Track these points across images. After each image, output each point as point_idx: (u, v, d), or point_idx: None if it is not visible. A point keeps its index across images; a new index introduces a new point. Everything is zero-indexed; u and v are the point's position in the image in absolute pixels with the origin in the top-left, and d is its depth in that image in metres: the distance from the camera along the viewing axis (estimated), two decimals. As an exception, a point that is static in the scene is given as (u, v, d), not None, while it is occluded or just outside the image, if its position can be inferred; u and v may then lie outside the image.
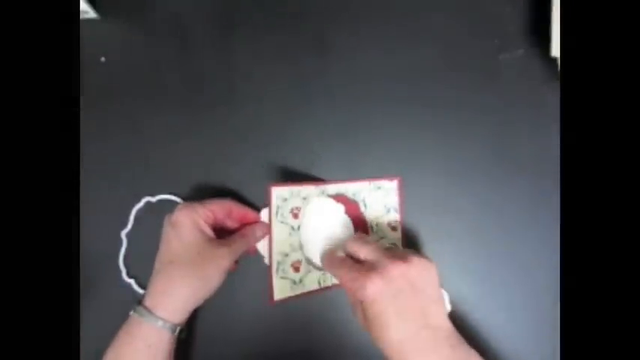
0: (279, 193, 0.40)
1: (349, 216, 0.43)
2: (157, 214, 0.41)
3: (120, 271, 0.44)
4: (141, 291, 0.43)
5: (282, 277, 0.40)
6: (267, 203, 0.40)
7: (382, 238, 0.44)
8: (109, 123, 0.46)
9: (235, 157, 0.46)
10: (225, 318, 0.44)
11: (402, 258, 0.33)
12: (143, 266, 0.40)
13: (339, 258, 0.38)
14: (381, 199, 0.44)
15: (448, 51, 0.47)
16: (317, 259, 0.42)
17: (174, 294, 0.37)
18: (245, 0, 0.48)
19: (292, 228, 0.41)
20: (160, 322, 0.36)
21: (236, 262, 0.41)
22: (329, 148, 0.46)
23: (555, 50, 0.42)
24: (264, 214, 0.43)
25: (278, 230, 0.40)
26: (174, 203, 0.44)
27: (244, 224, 0.42)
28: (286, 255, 0.41)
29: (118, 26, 0.48)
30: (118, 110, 0.46)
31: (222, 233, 0.41)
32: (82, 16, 0.46)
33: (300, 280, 0.41)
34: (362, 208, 0.44)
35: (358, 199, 0.44)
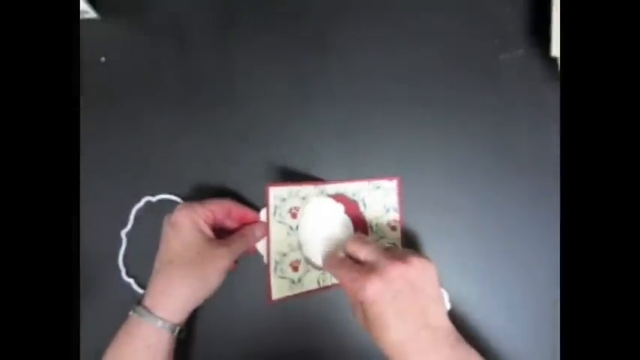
0: (276, 192, 0.40)
1: (349, 216, 0.43)
2: (157, 213, 0.41)
3: (120, 271, 0.44)
4: (140, 291, 0.43)
5: (280, 277, 0.40)
6: (265, 203, 0.40)
7: (382, 237, 0.44)
8: (109, 123, 0.46)
9: (235, 157, 0.46)
10: (225, 318, 0.44)
11: (401, 259, 0.33)
12: (143, 266, 0.40)
13: (338, 258, 0.38)
14: (380, 199, 0.44)
15: (448, 51, 0.47)
16: (316, 259, 0.42)
17: (174, 294, 0.37)
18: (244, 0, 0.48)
19: (290, 228, 0.41)
20: (160, 322, 0.36)
21: (235, 262, 0.41)
22: (329, 148, 0.46)
23: (555, 50, 0.42)
24: (263, 214, 0.43)
25: (276, 230, 0.40)
26: (174, 203, 0.44)
27: (244, 224, 0.42)
28: (284, 255, 0.41)
29: (118, 26, 0.48)
30: (118, 110, 0.46)
31: (221, 233, 0.41)
32: (82, 16, 0.46)
33: (299, 280, 0.41)
34: (361, 208, 0.44)
35: (358, 198, 0.44)
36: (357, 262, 0.36)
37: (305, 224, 0.42)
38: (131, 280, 0.44)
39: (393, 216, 0.44)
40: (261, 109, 0.46)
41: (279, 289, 0.40)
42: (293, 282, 0.41)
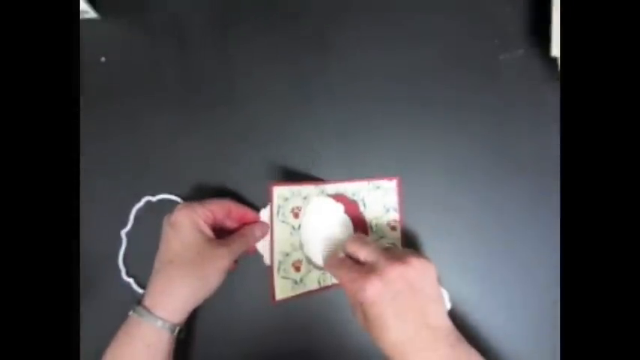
0: (280, 192, 0.40)
1: (349, 215, 0.43)
2: (157, 213, 0.41)
3: (119, 271, 0.44)
4: (140, 290, 0.43)
5: (283, 277, 0.40)
6: (268, 203, 0.40)
7: (381, 237, 0.44)
8: (109, 123, 0.46)
9: (235, 157, 0.46)
10: (225, 318, 0.44)
11: (401, 259, 0.34)
12: (143, 266, 0.40)
13: (338, 259, 0.38)
14: (380, 199, 0.44)
15: (448, 51, 0.47)
16: (317, 259, 0.42)
17: (174, 294, 0.37)
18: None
19: (293, 227, 0.41)
20: (160, 322, 0.36)
21: (235, 261, 0.41)
22: (329, 148, 0.46)
23: (555, 50, 0.42)
24: (263, 214, 0.43)
25: (279, 230, 0.40)
26: (174, 203, 0.44)
27: (244, 224, 0.42)
28: (287, 254, 0.41)
29: (118, 26, 0.48)
30: (118, 110, 0.46)
31: (221, 233, 0.41)
32: (82, 16, 0.46)
33: (301, 280, 0.41)
34: (361, 208, 0.44)
35: (357, 198, 0.44)
36: (357, 262, 0.36)
37: (306, 224, 0.42)
38: (131, 280, 0.44)
39: (393, 216, 0.44)
40: (261, 109, 0.46)
41: (282, 290, 0.40)
42: (295, 282, 0.41)
